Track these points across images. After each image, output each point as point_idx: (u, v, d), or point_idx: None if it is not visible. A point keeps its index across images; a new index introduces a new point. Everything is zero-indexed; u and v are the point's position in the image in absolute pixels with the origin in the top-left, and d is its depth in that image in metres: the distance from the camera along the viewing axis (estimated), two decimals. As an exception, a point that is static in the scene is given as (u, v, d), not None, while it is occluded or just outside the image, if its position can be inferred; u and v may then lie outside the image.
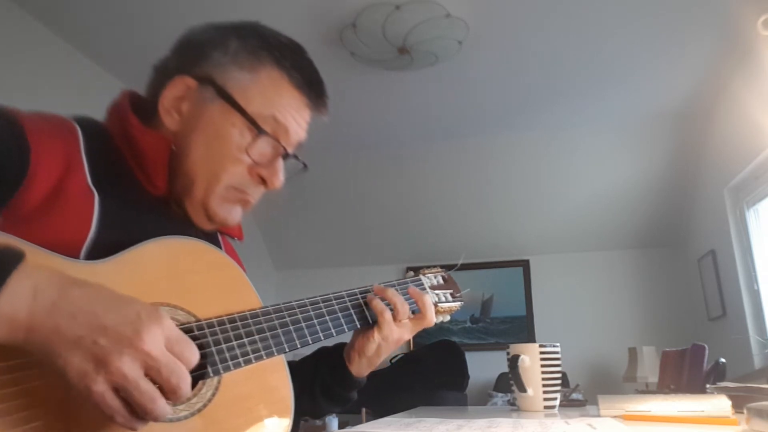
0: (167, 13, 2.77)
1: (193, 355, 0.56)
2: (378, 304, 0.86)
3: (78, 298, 0.53)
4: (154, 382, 0.53)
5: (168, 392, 0.54)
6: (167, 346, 0.54)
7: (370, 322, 0.87)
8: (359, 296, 0.88)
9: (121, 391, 0.51)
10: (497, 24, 2.93)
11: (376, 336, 0.87)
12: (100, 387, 0.50)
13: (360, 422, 2.80)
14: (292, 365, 0.91)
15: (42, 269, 0.53)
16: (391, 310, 0.87)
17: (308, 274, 5.27)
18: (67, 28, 2.97)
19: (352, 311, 0.86)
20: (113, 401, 0.51)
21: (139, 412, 0.52)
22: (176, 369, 0.54)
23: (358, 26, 2.85)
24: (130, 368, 0.51)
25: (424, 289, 0.99)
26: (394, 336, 0.87)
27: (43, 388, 0.54)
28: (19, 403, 0.53)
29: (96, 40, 3.06)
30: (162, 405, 0.53)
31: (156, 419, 0.53)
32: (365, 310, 0.87)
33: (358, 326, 0.86)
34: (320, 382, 0.92)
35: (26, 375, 0.54)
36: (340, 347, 0.94)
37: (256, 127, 0.75)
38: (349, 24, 2.85)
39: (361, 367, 0.91)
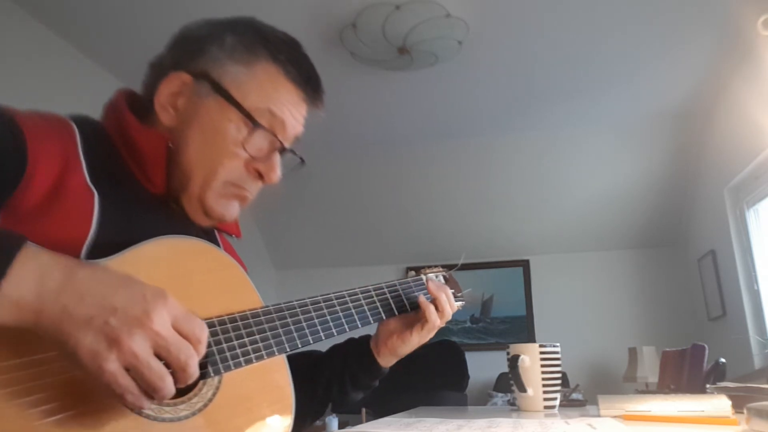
0: (167, 12, 2.77)
1: (202, 331, 0.58)
2: (433, 312, 0.91)
3: (84, 278, 0.54)
4: (163, 361, 0.55)
5: (177, 370, 0.55)
6: (174, 325, 0.55)
7: (371, 321, 0.88)
8: (360, 296, 0.89)
9: (131, 370, 0.53)
10: (497, 24, 2.93)
11: (415, 338, 0.92)
12: (112, 366, 0.51)
13: (360, 422, 2.80)
14: (318, 355, 0.96)
15: (45, 252, 0.54)
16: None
17: (308, 274, 5.27)
18: (67, 28, 2.97)
19: (353, 311, 0.86)
20: (124, 380, 0.52)
21: (148, 390, 0.54)
22: (184, 347, 0.55)
23: (358, 26, 2.84)
24: (141, 347, 0.52)
25: (426, 288, 1.00)
26: (430, 336, 0.93)
27: (53, 370, 0.55)
28: (30, 384, 0.54)
29: (96, 40, 3.06)
30: (170, 383, 0.54)
31: (163, 397, 0.55)
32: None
33: (359, 326, 0.87)
34: (350, 371, 0.95)
35: (39, 360, 0.55)
36: (367, 339, 0.97)
37: (251, 120, 0.75)
38: (349, 24, 2.85)
39: (389, 360, 0.96)
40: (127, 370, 0.52)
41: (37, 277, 0.51)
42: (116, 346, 0.51)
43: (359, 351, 0.96)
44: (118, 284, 0.55)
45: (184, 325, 0.56)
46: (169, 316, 0.55)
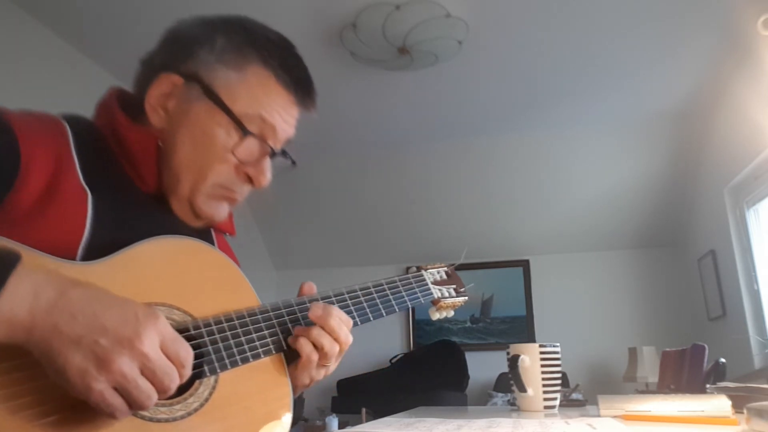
0: (167, 12, 2.75)
1: (188, 355, 0.58)
2: (305, 346, 0.74)
3: (77, 298, 0.54)
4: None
5: (159, 391, 0.56)
6: (162, 346, 0.56)
7: (371, 318, 0.86)
8: (359, 292, 0.86)
9: (119, 390, 0.53)
10: (497, 24, 2.92)
11: (294, 375, 0.77)
12: (101, 386, 0.52)
13: (360, 422, 2.80)
14: None
15: (40, 270, 0.54)
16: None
17: (308, 274, 5.23)
18: (67, 28, 2.96)
19: (352, 308, 0.84)
20: (113, 398, 0.53)
21: (134, 406, 0.55)
22: (169, 371, 0.56)
23: (358, 26, 2.84)
24: (129, 368, 0.53)
25: (426, 284, 0.97)
26: (319, 376, 0.79)
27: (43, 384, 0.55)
28: (26, 386, 0.54)
29: (96, 39, 3.06)
30: (155, 399, 0.56)
31: (147, 410, 0.58)
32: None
33: (359, 323, 0.85)
34: None
35: (35, 362, 0.55)
36: None
37: (241, 128, 0.74)
38: (349, 24, 2.85)
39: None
40: (115, 388, 0.53)
41: (31, 295, 0.52)
42: (105, 366, 0.52)
43: None
44: (111, 304, 0.55)
45: (170, 348, 0.57)
46: (158, 338, 0.56)
